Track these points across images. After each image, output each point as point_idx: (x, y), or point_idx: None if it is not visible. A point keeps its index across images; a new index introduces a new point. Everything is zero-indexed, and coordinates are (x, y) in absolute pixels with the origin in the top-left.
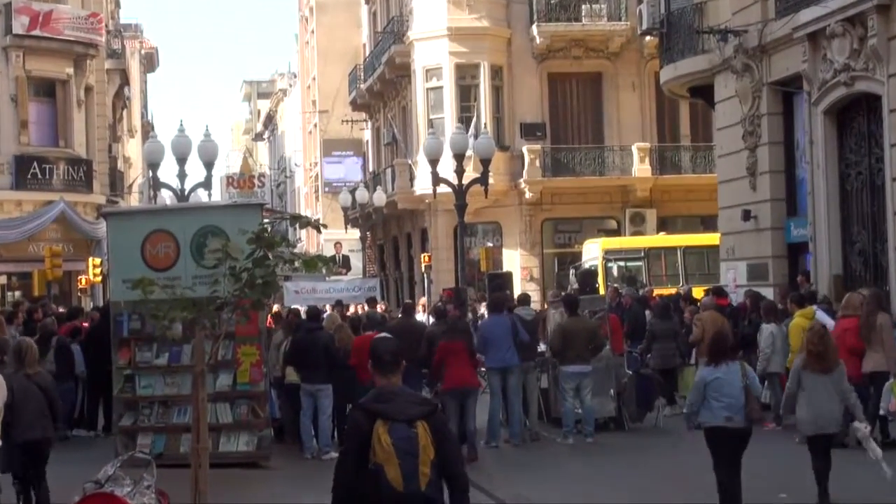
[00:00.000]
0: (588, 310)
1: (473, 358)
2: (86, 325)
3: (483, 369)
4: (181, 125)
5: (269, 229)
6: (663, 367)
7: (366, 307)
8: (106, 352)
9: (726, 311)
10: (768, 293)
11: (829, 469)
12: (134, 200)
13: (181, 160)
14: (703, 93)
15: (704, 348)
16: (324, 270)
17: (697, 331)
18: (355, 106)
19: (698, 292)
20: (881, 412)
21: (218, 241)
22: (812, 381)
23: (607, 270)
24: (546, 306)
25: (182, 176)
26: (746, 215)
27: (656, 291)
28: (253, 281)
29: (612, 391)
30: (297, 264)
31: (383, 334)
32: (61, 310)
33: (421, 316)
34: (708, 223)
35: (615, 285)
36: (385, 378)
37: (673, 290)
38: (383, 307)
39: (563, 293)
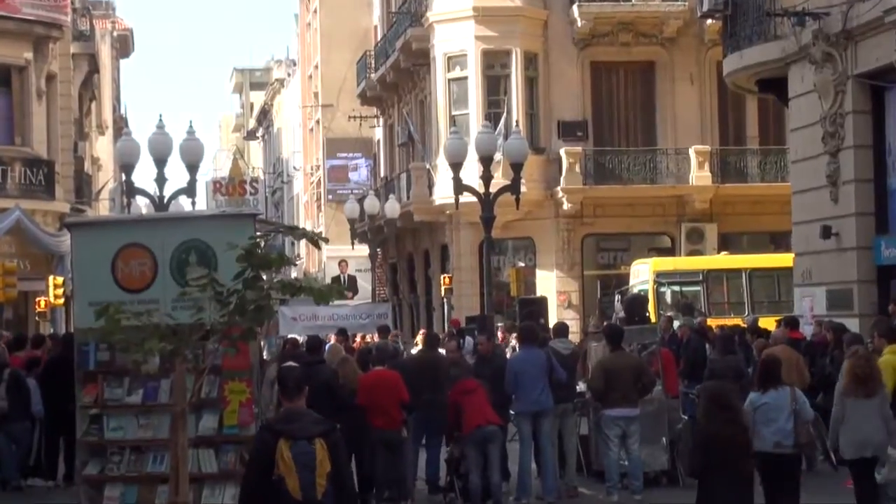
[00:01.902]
0: (636, 343)
1: (499, 396)
2: (44, 355)
3: (512, 413)
4: (160, 121)
5: (263, 244)
6: None
7: (375, 337)
8: (68, 387)
9: (801, 345)
10: (853, 325)
11: (876, 498)
12: (104, 209)
13: (160, 162)
14: (774, 86)
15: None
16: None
17: None
18: (364, 99)
19: (767, 323)
20: None
21: (200, 268)
22: (854, 405)
23: (659, 296)
24: (586, 338)
25: (161, 181)
26: (826, 232)
27: (716, 322)
28: (243, 306)
29: (664, 439)
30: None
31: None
32: (14, 337)
33: None
34: (779, 241)
35: (668, 314)
36: (291, 402)
37: (737, 321)
38: (395, 337)
39: (606, 323)
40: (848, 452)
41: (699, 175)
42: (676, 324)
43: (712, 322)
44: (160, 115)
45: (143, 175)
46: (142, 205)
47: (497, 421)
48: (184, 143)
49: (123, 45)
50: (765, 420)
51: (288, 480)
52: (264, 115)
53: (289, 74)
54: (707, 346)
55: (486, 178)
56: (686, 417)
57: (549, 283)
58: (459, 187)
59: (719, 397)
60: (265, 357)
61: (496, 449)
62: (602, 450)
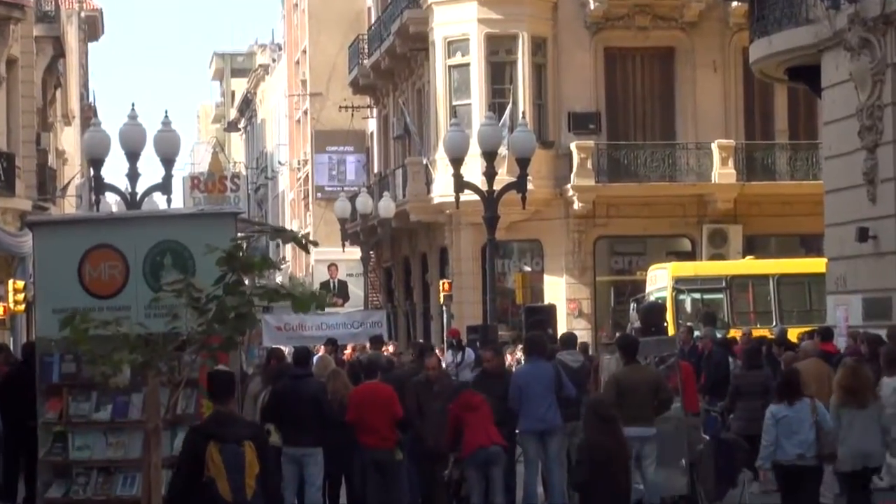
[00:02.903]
0: (653, 356)
1: (505, 414)
2: (3, 367)
3: (516, 431)
4: (132, 110)
5: (245, 246)
6: (751, 432)
7: (368, 348)
8: (29, 402)
9: (833, 359)
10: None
11: None
12: (70, 207)
13: (132, 156)
14: (805, 75)
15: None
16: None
17: None
18: (357, 88)
19: (797, 335)
20: None
21: (175, 272)
22: (849, 416)
23: (678, 304)
24: (599, 350)
25: (133, 176)
26: (863, 235)
27: (741, 333)
28: (223, 313)
29: (683, 461)
30: (282, 301)
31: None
32: None
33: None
34: (810, 244)
35: (689, 324)
36: (221, 405)
37: (763, 332)
38: (391, 349)
39: (619, 333)
40: (846, 465)
41: (722, 172)
42: (697, 335)
43: (736, 333)
44: (132, 104)
45: (114, 170)
46: (112, 202)
47: (501, 441)
48: (158, 134)
49: (92, 27)
50: (787, 432)
51: (218, 482)
52: (247, 105)
53: (274, 60)
54: (731, 359)
55: (490, 174)
56: (708, 437)
57: (558, 290)
58: (460, 184)
59: (601, 409)
60: (246, 370)
61: (499, 471)
62: None
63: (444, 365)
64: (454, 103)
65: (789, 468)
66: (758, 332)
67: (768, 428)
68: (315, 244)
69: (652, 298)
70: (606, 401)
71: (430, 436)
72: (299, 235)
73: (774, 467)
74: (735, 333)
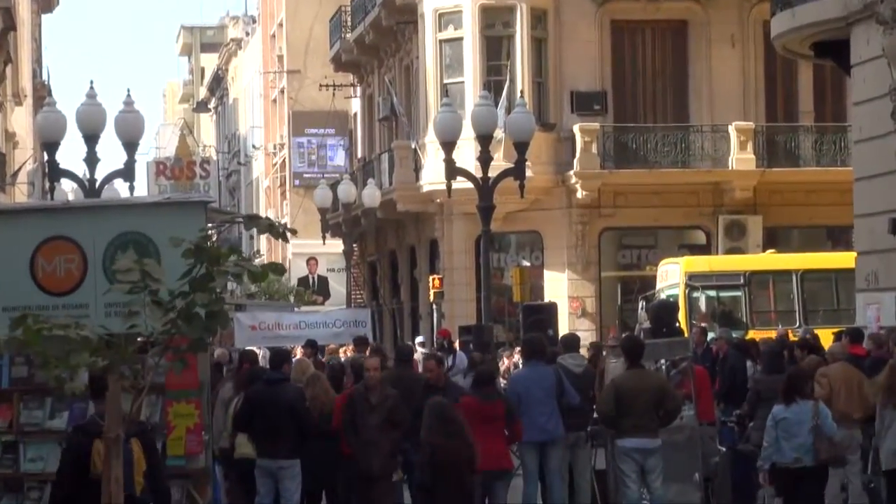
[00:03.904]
0: (664, 360)
1: (513, 426)
2: None
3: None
4: (91, 89)
5: (215, 237)
6: None
7: (349, 351)
8: None
9: (864, 363)
10: None
11: None
12: (21, 195)
13: (90, 138)
14: (833, 51)
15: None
16: (291, 298)
17: (822, 391)
18: (338, 65)
19: (824, 336)
20: None
21: (128, 257)
22: (891, 416)
23: (692, 303)
24: (605, 353)
25: (92, 161)
26: None
27: (760, 334)
28: (190, 312)
29: (696, 475)
30: (245, 279)
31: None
32: None
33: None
34: (838, 237)
35: (702, 325)
36: (103, 403)
37: (786, 333)
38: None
39: (625, 335)
40: (886, 463)
41: (740, 157)
42: (712, 336)
43: (756, 335)
44: (91, 82)
45: (70, 154)
46: (68, 190)
47: (510, 466)
48: (120, 115)
49: None
50: (786, 435)
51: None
52: (217, 83)
53: (247, 34)
54: (749, 363)
55: (485, 159)
56: (724, 449)
57: (560, 287)
58: (452, 171)
59: (444, 411)
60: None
61: (502, 488)
62: (620, 488)
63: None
64: (445, 81)
65: (787, 471)
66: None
67: (768, 429)
68: (293, 232)
69: (663, 296)
70: (449, 404)
71: (363, 457)
72: (276, 225)
73: (772, 469)
74: (754, 335)
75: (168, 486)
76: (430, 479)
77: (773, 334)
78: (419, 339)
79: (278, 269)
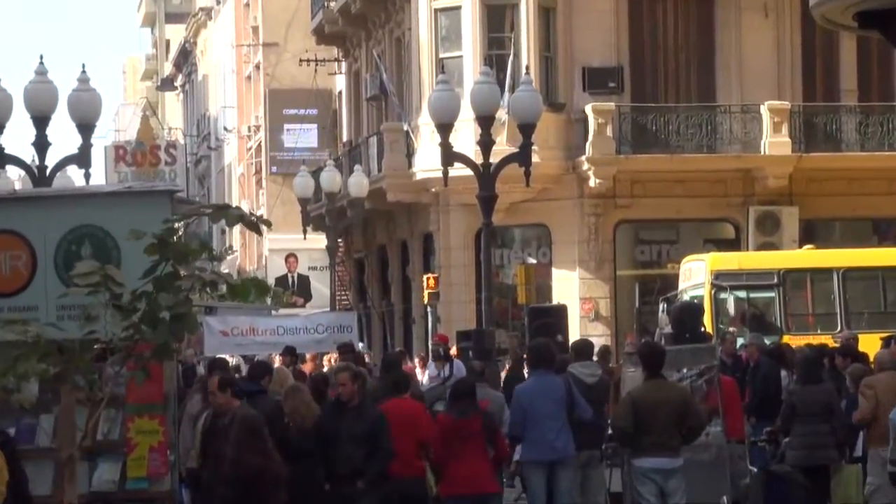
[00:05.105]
0: (689, 369)
1: (495, 442)
2: None
3: (517, 461)
4: (41, 64)
5: (182, 231)
6: (811, 463)
7: (333, 359)
8: None
9: None
10: None
11: None
12: None
13: (40, 120)
14: (880, 21)
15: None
16: (268, 300)
17: (866, 404)
18: (321, 37)
19: (869, 342)
20: None
21: (90, 261)
22: None
23: (719, 305)
24: (621, 362)
25: (42, 145)
26: None
27: (796, 340)
28: (154, 314)
29: (724, 499)
30: (222, 289)
31: None
32: None
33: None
34: (884, 230)
35: (731, 329)
36: None
37: (825, 340)
38: (365, 358)
39: (644, 340)
40: None
41: (774, 141)
42: (741, 342)
43: (791, 340)
44: (41, 57)
45: (17, 138)
46: (14, 178)
47: (495, 489)
48: (74, 94)
49: None
50: None
51: None
52: (185, 58)
53: (218, 2)
54: (783, 372)
55: (486, 143)
56: (755, 469)
57: (570, 287)
58: (449, 156)
59: (254, 424)
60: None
61: None
62: None
63: (425, 380)
64: (441, 56)
65: None
66: (819, 339)
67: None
68: (267, 224)
69: (686, 298)
70: (258, 416)
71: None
72: (250, 216)
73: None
74: (789, 341)
75: (31, 496)
76: (237, 495)
77: (810, 340)
78: (360, 345)
79: (262, 286)
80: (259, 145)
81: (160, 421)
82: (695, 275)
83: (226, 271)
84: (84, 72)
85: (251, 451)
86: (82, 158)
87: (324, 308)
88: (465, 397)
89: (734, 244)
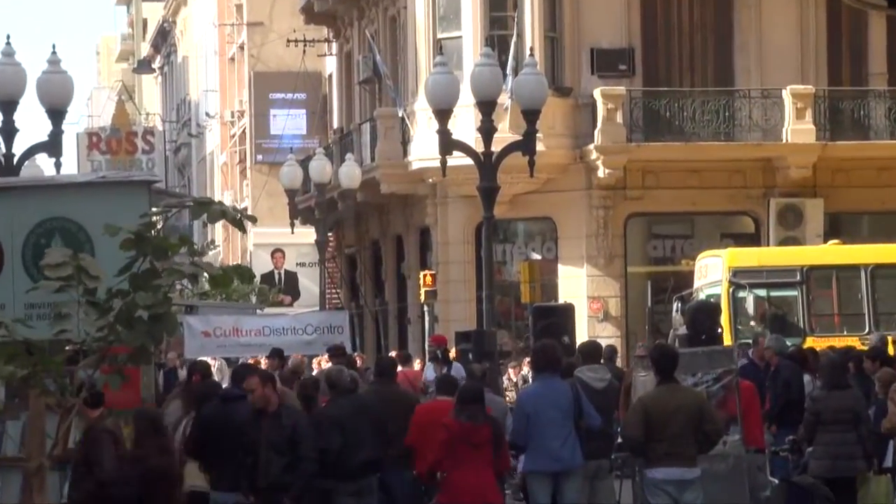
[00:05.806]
0: (705, 373)
1: (500, 451)
2: None
3: (517, 472)
4: (7, 45)
5: (161, 224)
6: (836, 474)
7: (323, 362)
8: None
9: None
10: None
11: None
12: None
13: (7, 105)
14: None
15: None
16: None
17: None
18: (310, 16)
19: None
20: None
21: (61, 250)
22: None
23: (737, 304)
24: (632, 365)
25: (9, 132)
26: None
27: (820, 342)
28: (131, 314)
29: None
30: (204, 282)
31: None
32: None
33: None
34: None
35: (760, 330)
36: None
37: (852, 342)
38: (358, 361)
39: (657, 342)
40: None
41: (797, 128)
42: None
43: (815, 342)
44: (7, 37)
45: None
46: None
47: (498, 499)
48: (43, 77)
49: None
50: None
51: None
52: (163, 38)
53: None
54: (806, 377)
55: (487, 130)
56: (776, 481)
57: (577, 285)
58: (447, 144)
59: (156, 420)
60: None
61: None
62: None
63: (424, 383)
64: (439, 36)
65: None
66: (845, 341)
67: None
68: (252, 220)
69: (702, 296)
70: (159, 413)
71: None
72: (234, 211)
73: None
74: (813, 343)
75: None
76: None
77: (835, 342)
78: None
79: (245, 273)
80: (243, 132)
81: None
82: (711, 272)
83: None
84: (54, 53)
85: (157, 449)
86: (53, 146)
87: (313, 307)
88: (474, 402)
89: (754, 239)
